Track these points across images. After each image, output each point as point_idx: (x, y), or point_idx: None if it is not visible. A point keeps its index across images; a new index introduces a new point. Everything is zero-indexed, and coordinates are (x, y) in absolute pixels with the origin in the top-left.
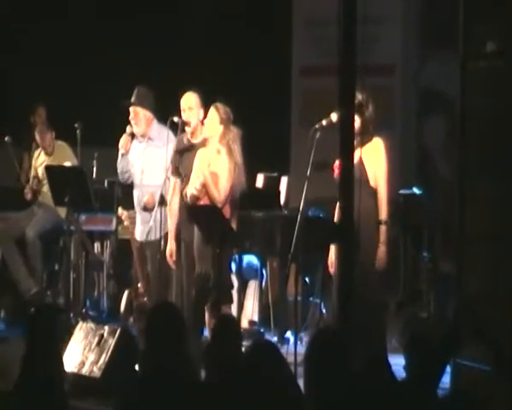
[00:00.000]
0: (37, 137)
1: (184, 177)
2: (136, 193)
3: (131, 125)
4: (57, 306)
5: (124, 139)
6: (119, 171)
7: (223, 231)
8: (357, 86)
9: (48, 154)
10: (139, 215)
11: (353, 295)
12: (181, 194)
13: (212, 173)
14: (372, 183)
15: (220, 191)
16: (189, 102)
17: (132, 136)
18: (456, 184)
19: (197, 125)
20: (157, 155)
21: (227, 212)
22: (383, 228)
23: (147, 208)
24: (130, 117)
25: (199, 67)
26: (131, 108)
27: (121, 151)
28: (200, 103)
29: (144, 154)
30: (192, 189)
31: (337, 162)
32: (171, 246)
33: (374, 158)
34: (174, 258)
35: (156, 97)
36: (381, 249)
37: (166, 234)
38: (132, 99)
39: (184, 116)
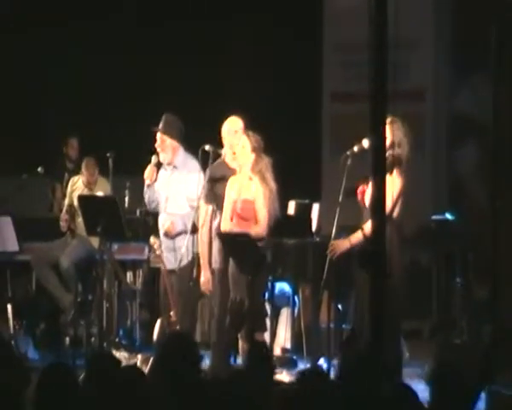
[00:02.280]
0: (85, 171)
1: (217, 205)
2: (160, 220)
3: (157, 155)
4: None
5: (149, 170)
6: (146, 201)
7: (255, 258)
8: (388, 112)
9: (90, 186)
10: (163, 243)
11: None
12: (210, 222)
13: (245, 201)
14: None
15: (260, 219)
16: (234, 125)
17: (158, 166)
18: (488, 210)
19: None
20: (181, 183)
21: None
22: (359, 234)
23: (167, 235)
24: (157, 144)
25: (229, 95)
26: (158, 136)
27: (147, 182)
28: (244, 128)
29: (169, 182)
30: (226, 223)
31: (361, 188)
32: (205, 274)
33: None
34: (210, 286)
35: (185, 126)
36: (345, 244)
37: (193, 261)
38: (160, 126)
39: (227, 140)
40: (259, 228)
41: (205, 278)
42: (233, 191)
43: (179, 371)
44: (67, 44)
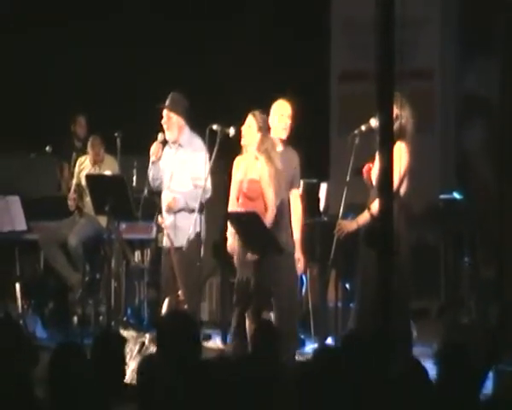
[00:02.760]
0: (91, 150)
1: None
2: (163, 198)
3: (163, 132)
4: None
5: (155, 147)
6: (150, 178)
7: (263, 238)
8: (396, 91)
9: (97, 165)
10: (166, 220)
11: (392, 300)
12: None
13: (251, 181)
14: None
15: (268, 202)
16: (287, 109)
17: (164, 143)
18: (496, 189)
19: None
20: (186, 161)
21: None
22: (366, 215)
23: (169, 211)
24: (163, 121)
25: (237, 73)
26: (164, 112)
27: (152, 158)
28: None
29: (174, 160)
30: (233, 203)
31: (366, 166)
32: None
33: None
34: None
35: (191, 105)
36: (352, 225)
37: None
38: (166, 103)
39: (283, 121)
40: (270, 214)
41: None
42: (239, 172)
43: (180, 351)
44: (75, 30)
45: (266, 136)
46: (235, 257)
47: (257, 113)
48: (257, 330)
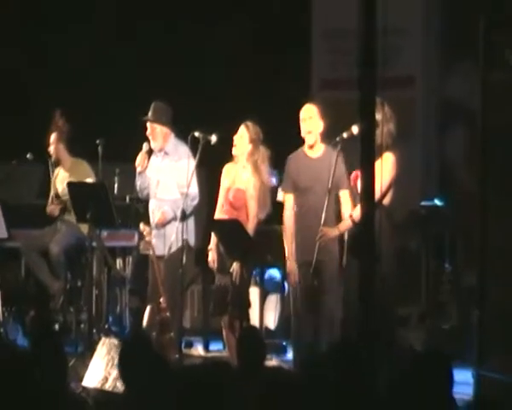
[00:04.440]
0: (52, 149)
1: (304, 189)
2: (150, 206)
3: (148, 142)
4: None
5: (140, 157)
6: (137, 188)
7: (244, 245)
8: (377, 99)
9: (64, 167)
10: (154, 230)
11: (375, 306)
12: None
13: (237, 190)
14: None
15: (250, 213)
16: (310, 112)
17: (149, 153)
18: (477, 196)
19: (317, 137)
20: (172, 169)
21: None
22: (348, 221)
23: (159, 226)
24: (148, 132)
25: (220, 83)
26: (148, 124)
27: (138, 169)
28: (319, 114)
29: (160, 167)
30: (218, 211)
31: (354, 174)
32: (291, 265)
33: (381, 172)
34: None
35: (175, 112)
36: (334, 231)
37: (183, 248)
38: (149, 115)
39: (305, 127)
40: (251, 225)
41: (290, 267)
42: (227, 179)
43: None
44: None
45: (257, 148)
46: (214, 266)
47: (250, 124)
48: (241, 335)
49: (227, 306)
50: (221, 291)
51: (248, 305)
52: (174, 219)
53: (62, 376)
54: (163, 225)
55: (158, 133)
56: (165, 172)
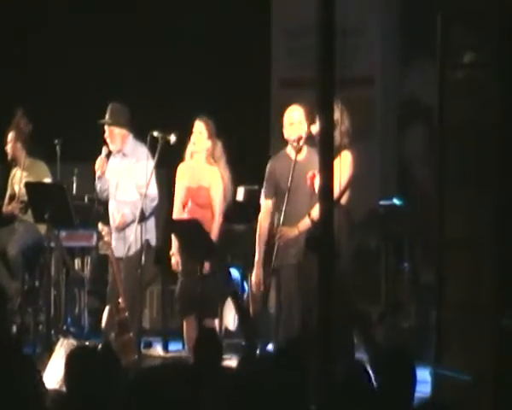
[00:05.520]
0: (9, 147)
1: (286, 193)
2: (110, 208)
3: (107, 145)
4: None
5: (99, 161)
6: (97, 191)
7: (205, 244)
8: (336, 98)
9: (20, 166)
10: (113, 233)
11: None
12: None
13: (201, 188)
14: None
15: (215, 209)
16: (299, 115)
17: (108, 157)
18: (435, 193)
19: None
20: (131, 171)
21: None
22: (307, 221)
23: (119, 229)
24: (106, 135)
25: (179, 79)
26: (106, 127)
27: (98, 173)
28: (305, 116)
29: (119, 169)
30: (178, 211)
31: (311, 173)
32: (257, 273)
33: (338, 171)
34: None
35: (132, 112)
36: (293, 231)
37: (141, 249)
38: (106, 117)
39: (294, 131)
40: (216, 222)
41: (256, 277)
42: (184, 179)
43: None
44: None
45: (216, 142)
46: (178, 268)
47: (205, 118)
48: (198, 337)
49: (193, 305)
50: (187, 292)
51: (217, 300)
52: (134, 221)
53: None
54: (123, 227)
55: (116, 135)
56: (124, 173)
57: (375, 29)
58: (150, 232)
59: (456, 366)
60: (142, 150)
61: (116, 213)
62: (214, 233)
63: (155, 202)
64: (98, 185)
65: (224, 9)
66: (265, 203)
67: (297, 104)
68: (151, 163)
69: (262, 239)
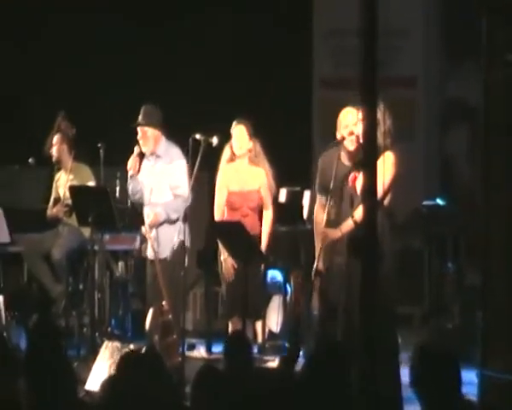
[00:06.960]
0: (55, 150)
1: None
2: (145, 213)
3: (139, 146)
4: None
5: (132, 160)
6: (129, 192)
7: (247, 246)
8: (378, 99)
9: (66, 169)
10: (150, 234)
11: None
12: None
13: (251, 191)
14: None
15: (267, 206)
16: (355, 116)
17: (141, 156)
18: (480, 194)
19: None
20: (165, 172)
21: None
22: (350, 223)
23: (151, 227)
24: (139, 137)
25: (219, 81)
26: (139, 128)
27: (130, 172)
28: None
29: (152, 172)
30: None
31: (352, 175)
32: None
33: (381, 172)
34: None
35: (164, 114)
36: (336, 233)
37: (184, 250)
38: (139, 119)
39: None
40: (270, 213)
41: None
42: (230, 183)
43: None
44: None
45: (255, 143)
46: (232, 272)
47: (243, 120)
48: (228, 340)
49: (238, 307)
50: (233, 293)
51: (262, 303)
52: (167, 220)
53: (69, 379)
54: (156, 226)
55: (149, 137)
56: (158, 176)
57: (418, 29)
58: (185, 234)
59: (502, 367)
60: (176, 151)
61: (151, 215)
62: (268, 233)
63: (188, 203)
64: (130, 185)
65: (265, 10)
66: (318, 198)
67: (351, 106)
68: (185, 163)
69: (319, 232)
